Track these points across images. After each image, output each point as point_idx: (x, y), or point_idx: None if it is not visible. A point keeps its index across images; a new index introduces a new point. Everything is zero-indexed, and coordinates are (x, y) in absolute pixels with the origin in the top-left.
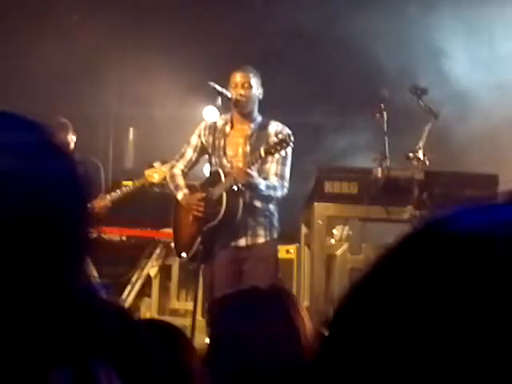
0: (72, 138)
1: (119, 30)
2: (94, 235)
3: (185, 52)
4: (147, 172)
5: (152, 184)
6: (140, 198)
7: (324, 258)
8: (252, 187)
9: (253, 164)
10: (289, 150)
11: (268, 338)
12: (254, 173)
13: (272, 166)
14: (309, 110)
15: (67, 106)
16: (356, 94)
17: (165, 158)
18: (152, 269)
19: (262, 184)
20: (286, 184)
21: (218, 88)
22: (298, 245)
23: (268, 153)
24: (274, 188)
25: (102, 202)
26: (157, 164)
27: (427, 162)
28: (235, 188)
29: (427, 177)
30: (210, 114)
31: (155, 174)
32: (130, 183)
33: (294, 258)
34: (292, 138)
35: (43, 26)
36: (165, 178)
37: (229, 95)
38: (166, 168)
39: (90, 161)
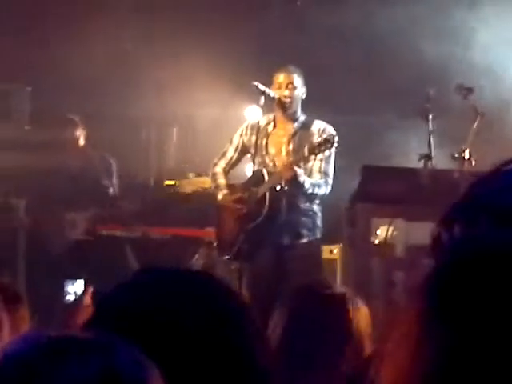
0: (81, 134)
1: (159, 30)
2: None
3: (227, 52)
4: (180, 182)
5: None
6: (183, 197)
7: (368, 258)
8: (297, 184)
9: (296, 164)
10: (333, 150)
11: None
12: (300, 170)
13: (315, 164)
14: (355, 109)
15: (109, 107)
16: (402, 93)
17: (199, 160)
18: (195, 268)
19: (306, 181)
20: (330, 181)
21: (261, 87)
22: (341, 245)
23: (312, 152)
24: (318, 185)
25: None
26: (191, 175)
27: (473, 162)
28: (279, 187)
29: (473, 177)
30: (253, 113)
31: (188, 185)
32: (171, 182)
33: (338, 258)
34: (336, 139)
35: (88, 27)
36: (197, 190)
37: (271, 94)
38: (199, 180)
39: (103, 157)
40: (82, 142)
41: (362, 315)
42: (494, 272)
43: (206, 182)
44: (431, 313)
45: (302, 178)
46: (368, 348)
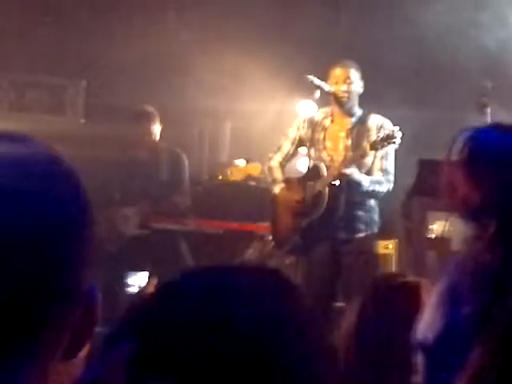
0: (157, 128)
1: (212, 22)
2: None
3: (281, 45)
4: (230, 170)
5: (234, 181)
6: (237, 191)
7: (423, 252)
8: (353, 185)
9: (356, 160)
10: (394, 145)
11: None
12: (351, 170)
13: (376, 162)
14: (416, 104)
15: (163, 100)
16: (460, 86)
17: (253, 155)
18: (250, 262)
19: (364, 180)
20: (392, 178)
21: (317, 81)
22: (397, 240)
23: (372, 148)
24: (379, 182)
25: (182, 199)
26: (240, 161)
27: None
28: (337, 183)
29: None
30: (307, 107)
31: (237, 172)
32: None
33: (393, 253)
34: (399, 134)
35: (144, 21)
36: (246, 177)
37: (327, 88)
38: (249, 167)
39: (173, 151)
40: (157, 136)
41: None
42: None
43: (255, 169)
44: None
45: (357, 176)
46: None
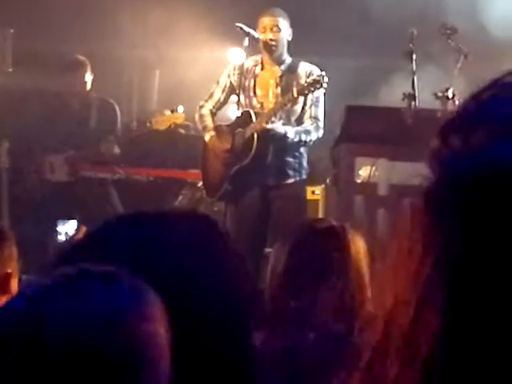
0: (89, 77)
1: None
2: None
3: None
4: (154, 119)
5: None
6: (167, 138)
7: (351, 197)
8: (278, 137)
9: (285, 105)
10: (321, 91)
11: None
12: (276, 124)
13: (306, 110)
14: (342, 51)
15: (89, 45)
16: (385, 33)
17: (184, 104)
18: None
19: (289, 131)
20: (321, 125)
21: (245, 29)
22: (323, 186)
23: (301, 93)
24: (307, 132)
25: (110, 147)
26: (166, 111)
27: (456, 101)
28: (265, 129)
29: None
30: (236, 55)
31: (161, 121)
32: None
33: (320, 198)
34: (326, 79)
35: None
36: (170, 127)
37: (256, 35)
38: (172, 116)
39: (105, 100)
40: (89, 85)
41: (360, 245)
42: (502, 183)
43: (179, 118)
44: (438, 223)
45: (281, 130)
46: (367, 276)
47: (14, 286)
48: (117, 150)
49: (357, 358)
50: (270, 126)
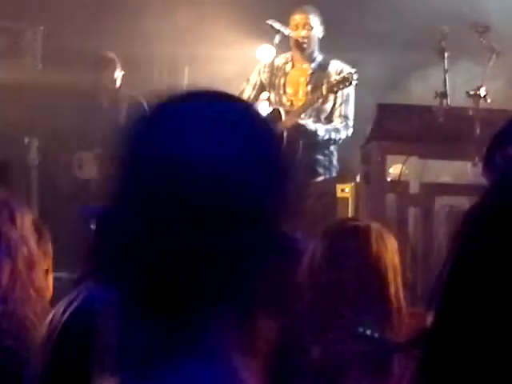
0: (119, 74)
1: None
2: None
3: None
4: None
5: None
6: None
7: (382, 195)
8: (309, 134)
9: (315, 102)
10: (351, 88)
11: None
12: (306, 121)
13: (336, 108)
14: (372, 48)
15: (118, 42)
16: (418, 31)
17: None
18: None
19: (319, 129)
20: (351, 123)
21: (276, 26)
22: (353, 184)
23: (330, 91)
24: (336, 130)
25: None
26: None
27: (488, 100)
28: (296, 126)
29: (488, 114)
30: (266, 52)
31: None
32: None
33: (349, 196)
34: (355, 76)
35: None
36: None
37: (286, 33)
38: None
39: (134, 97)
40: (119, 83)
41: (387, 245)
42: None
43: None
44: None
45: (311, 126)
46: (394, 272)
47: (50, 282)
48: None
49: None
50: (301, 121)
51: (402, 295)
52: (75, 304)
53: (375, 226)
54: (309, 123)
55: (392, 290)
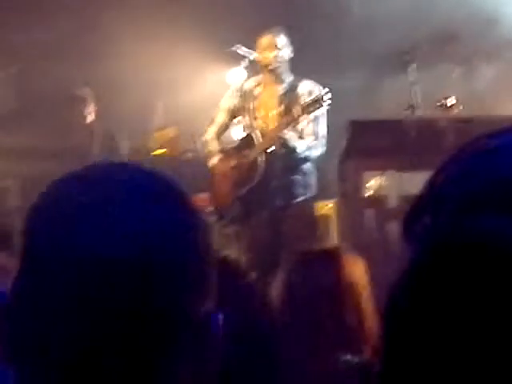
0: (92, 109)
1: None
2: None
3: (210, 14)
4: (149, 146)
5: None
6: (174, 163)
7: (361, 211)
8: (288, 150)
9: (288, 125)
10: (324, 108)
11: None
12: (288, 134)
13: (308, 126)
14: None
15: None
16: (383, 45)
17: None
18: None
19: (299, 145)
20: (324, 141)
21: (241, 51)
22: (335, 200)
23: (304, 112)
24: (313, 147)
25: None
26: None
27: (460, 107)
28: (270, 150)
29: (459, 122)
30: (236, 76)
31: (158, 137)
32: (160, 151)
33: (332, 212)
34: (327, 97)
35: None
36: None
37: (252, 57)
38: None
39: (107, 130)
40: (90, 118)
41: (355, 266)
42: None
43: (172, 132)
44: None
45: (293, 142)
46: (365, 296)
47: None
48: None
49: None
50: (285, 135)
51: (373, 318)
52: None
53: (343, 248)
54: (291, 137)
55: (364, 313)
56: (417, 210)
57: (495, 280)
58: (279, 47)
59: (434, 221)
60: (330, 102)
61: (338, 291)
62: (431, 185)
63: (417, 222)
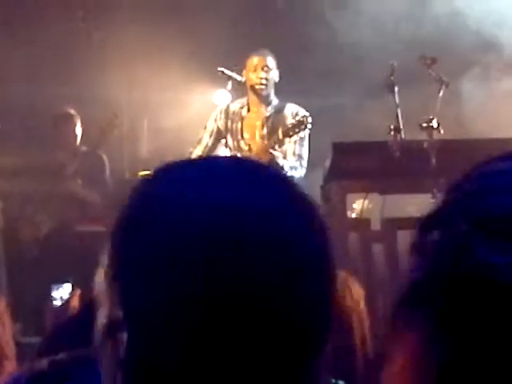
0: (78, 131)
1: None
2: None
3: (195, 37)
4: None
5: None
6: None
7: (345, 233)
8: (277, 168)
9: (272, 147)
10: (306, 131)
11: None
12: (277, 153)
13: (290, 146)
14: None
15: (74, 91)
16: (365, 67)
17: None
18: None
19: (285, 164)
20: (304, 164)
21: (228, 73)
22: None
23: (286, 135)
24: (295, 168)
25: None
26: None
27: (441, 131)
28: None
29: (442, 145)
30: (221, 98)
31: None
32: (146, 173)
33: None
34: (310, 120)
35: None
36: None
37: (238, 79)
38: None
39: (93, 153)
40: (77, 139)
41: (352, 293)
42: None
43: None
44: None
45: (281, 161)
46: (360, 321)
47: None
48: (108, 201)
49: None
50: (275, 153)
51: (368, 343)
52: None
53: (341, 274)
54: (279, 156)
55: (357, 339)
56: (428, 224)
57: (499, 318)
58: (270, 68)
59: (442, 238)
60: (311, 125)
61: (336, 314)
62: (444, 202)
63: (427, 235)
